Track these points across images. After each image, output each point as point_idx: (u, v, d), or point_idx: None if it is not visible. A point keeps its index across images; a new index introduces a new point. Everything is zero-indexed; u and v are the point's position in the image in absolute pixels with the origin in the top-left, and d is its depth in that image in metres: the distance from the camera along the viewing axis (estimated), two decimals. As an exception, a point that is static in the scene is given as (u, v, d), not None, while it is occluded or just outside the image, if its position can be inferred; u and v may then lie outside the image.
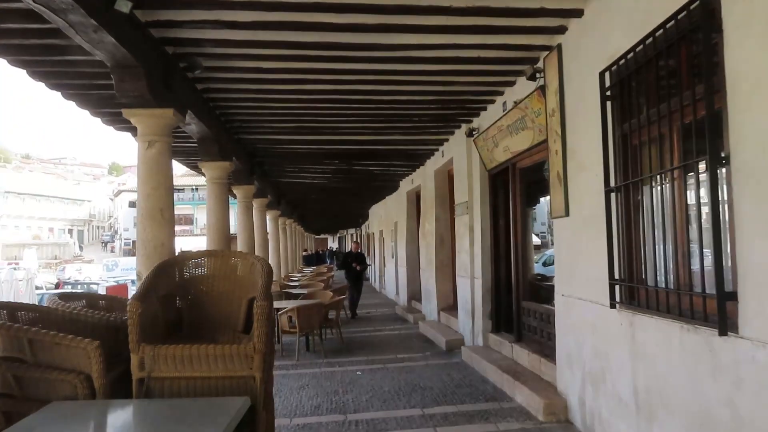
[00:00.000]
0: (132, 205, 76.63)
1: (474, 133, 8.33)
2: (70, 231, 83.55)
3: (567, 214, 5.23)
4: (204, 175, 8.56)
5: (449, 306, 10.91)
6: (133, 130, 5.43)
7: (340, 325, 10.30)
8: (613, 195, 4.26)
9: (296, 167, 12.99)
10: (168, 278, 3.23)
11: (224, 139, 8.31)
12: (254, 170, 11.35)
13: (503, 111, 7.13)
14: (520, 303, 7.20)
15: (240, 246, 11.52)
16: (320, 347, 9.53)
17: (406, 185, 14.84)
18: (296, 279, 17.78)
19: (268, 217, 17.53)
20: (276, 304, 10.30)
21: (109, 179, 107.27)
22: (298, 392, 6.88)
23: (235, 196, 11.25)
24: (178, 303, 3.31)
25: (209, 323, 3.23)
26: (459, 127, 9.09)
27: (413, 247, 14.53)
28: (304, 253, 32.11)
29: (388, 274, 19.49)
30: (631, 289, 4.06)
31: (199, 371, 2.71)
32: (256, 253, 15.20)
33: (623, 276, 4.15)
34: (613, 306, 4.20)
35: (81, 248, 78.46)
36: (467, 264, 8.79)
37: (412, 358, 8.71)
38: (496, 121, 7.27)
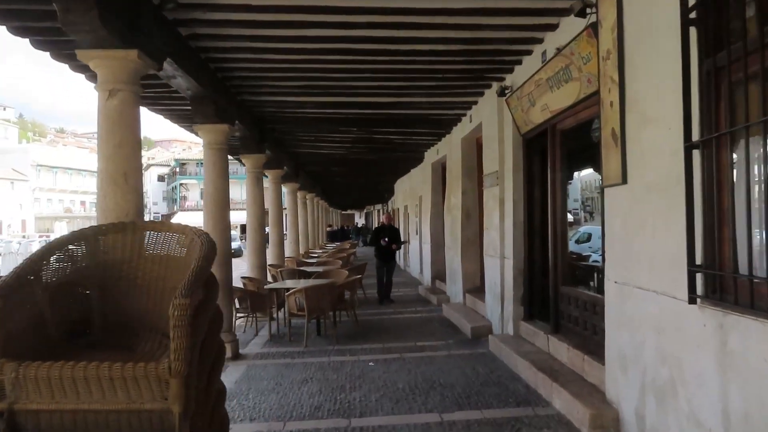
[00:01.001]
0: (161, 179, 77.08)
1: (506, 92, 7.23)
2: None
3: (624, 180, 4.15)
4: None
5: (476, 288, 9.91)
6: (95, 78, 4.52)
7: (356, 307, 9.36)
8: (695, 153, 3.18)
9: (311, 135, 12.01)
10: (68, 261, 2.32)
11: (223, 99, 7.37)
12: (265, 137, 10.42)
13: (542, 61, 6.02)
14: (558, 288, 6.16)
15: (249, 220, 10.69)
16: (332, 332, 8.65)
17: (430, 156, 13.76)
18: (316, 255, 16.96)
19: (285, 190, 16.71)
20: (284, 284, 9.44)
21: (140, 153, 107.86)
22: (300, 387, 6.00)
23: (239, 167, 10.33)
24: (87, 296, 2.40)
25: (129, 324, 2.32)
26: (489, 86, 7.98)
27: (438, 222, 13.51)
28: (328, 229, 31.33)
29: (412, 252, 18.51)
30: (721, 280, 3.01)
31: (88, 402, 1.80)
32: (270, 228, 14.40)
33: (707, 261, 3.10)
34: (692, 301, 3.15)
35: (111, 222, 79.20)
36: (496, 242, 7.75)
37: (433, 347, 7.75)
38: (533, 75, 6.17)
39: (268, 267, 12.16)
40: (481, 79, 7.71)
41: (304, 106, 9.07)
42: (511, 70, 7.20)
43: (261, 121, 10.10)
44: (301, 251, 18.25)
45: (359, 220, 59.11)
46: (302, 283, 9.08)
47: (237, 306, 8.92)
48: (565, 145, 6.24)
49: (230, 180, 7.94)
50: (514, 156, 7.28)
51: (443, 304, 10.62)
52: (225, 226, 7.60)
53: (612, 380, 4.41)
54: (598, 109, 4.73)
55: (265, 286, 9.10)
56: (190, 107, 7.18)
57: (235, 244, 38.44)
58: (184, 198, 65.97)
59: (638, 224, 3.97)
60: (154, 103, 8.56)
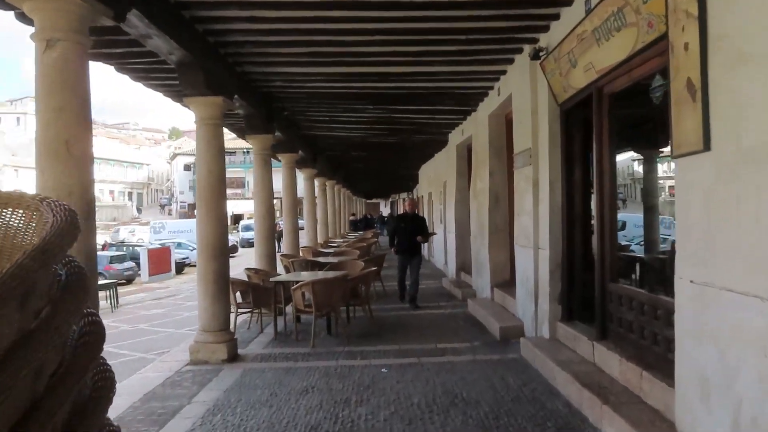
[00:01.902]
0: (187, 168, 77.21)
1: (541, 54, 6.17)
2: (130, 194, 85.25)
3: (706, 146, 3.11)
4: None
5: (505, 281, 8.89)
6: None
7: (371, 302, 8.42)
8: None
9: (325, 115, 11.06)
10: None
11: (215, 67, 6.47)
12: (273, 116, 9.53)
13: (586, 10, 4.96)
14: (606, 285, 5.13)
15: (256, 206, 9.83)
16: (344, 330, 7.75)
17: (455, 137, 12.71)
18: (335, 245, 16.09)
19: (302, 176, 15.86)
20: (291, 277, 8.57)
21: (169, 143, 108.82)
22: (298, 399, 5.10)
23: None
24: None
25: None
26: (520, 50, 6.93)
27: (463, 209, 12.48)
28: (351, 218, 30.48)
29: (436, 241, 17.47)
30: None
31: None
32: (282, 217, 13.56)
33: None
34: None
35: (140, 210, 79.98)
36: (529, 229, 6.74)
37: (456, 349, 6.79)
38: (574, 28, 5.11)
39: (279, 257, 11.35)
40: (510, 41, 6.65)
41: (312, 78, 8.11)
42: (546, 28, 6.14)
43: (268, 98, 9.20)
44: (320, 240, 17.41)
45: (384, 209, 58.20)
46: (309, 276, 8.19)
47: (240, 300, 8.07)
48: (615, 112, 5.18)
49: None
50: (551, 130, 6.24)
51: (468, 299, 9.63)
52: (220, 214, 6.74)
53: (685, 408, 3.39)
54: (661, 61, 3.71)
55: (270, 279, 8.23)
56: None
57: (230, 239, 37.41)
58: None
59: (728, 206, 2.94)
60: (147, 77, 7.73)
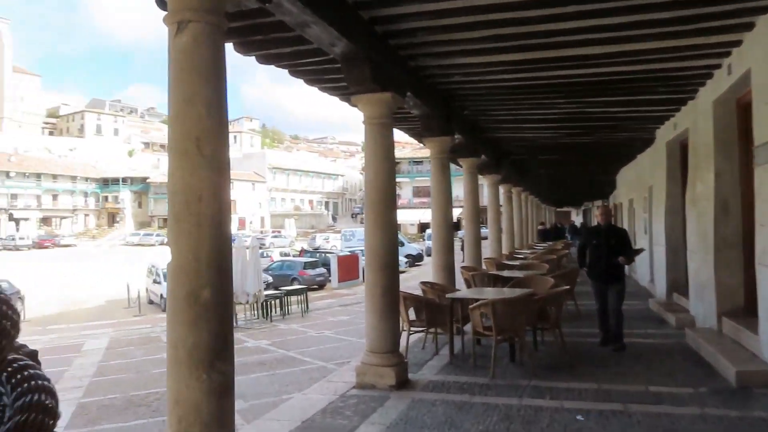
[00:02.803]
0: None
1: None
2: (326, 203, 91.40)
3: None
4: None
5: (738, 309, 7.04)
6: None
7: (561, 326, 7.16)
8: None
9: (509, 113, 10.01)
10: None
11: (383, 60, 5.86)
12: (452, 117, 8.78)
13: None
14: None
15: (434, 214, 9.14)
16: (529, 359, 6.66)
17: (665, 133, 10.80)
18: (521, 257, 14.85)
19: (485, 183, 14.92)
20: (470, 294, 7.68)
21: (362, 155, 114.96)
22: (469, 449, 4.20)
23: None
24: None
25: None
26: (764, 10, 5.30)
27: (676, 218, 10.52)
28: (540, 227, 28.66)
29: (640, 255, 15.32)
30: None
31: None
32: (464, 225, 12.72)
33: None
34: None
35: (335, 219, 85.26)
36: (781, 245, 5.07)
37: (675, 396, 5.32)
38: None
39: (460, 269, 10.54)
40: (750, -1, 5.07)
41: (495, 69, 7.14)
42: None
43: (446, 97, 8.48)
44: (505, 251, 16.28)
45: (576, 219, 54.57)
46: (490, 294, 7.23)
47: (413, 318, 7.39)
48: None
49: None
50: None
51: (686, 327, 7.88)
52: (388, 222, 6.11)
53: None
54: None
55: (447, 295, 7.43)
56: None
57: (416, 247, 37.22)
58: (398, 196, 67.95)
59: None
60: (320, 80, 7.42)
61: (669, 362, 6.66)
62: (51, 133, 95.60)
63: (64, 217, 76.59)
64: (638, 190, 15.18)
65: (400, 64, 6.50)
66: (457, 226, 14.89)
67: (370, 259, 6.13)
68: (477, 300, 6.76)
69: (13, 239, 61.46)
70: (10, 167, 70.96)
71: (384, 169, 6.08)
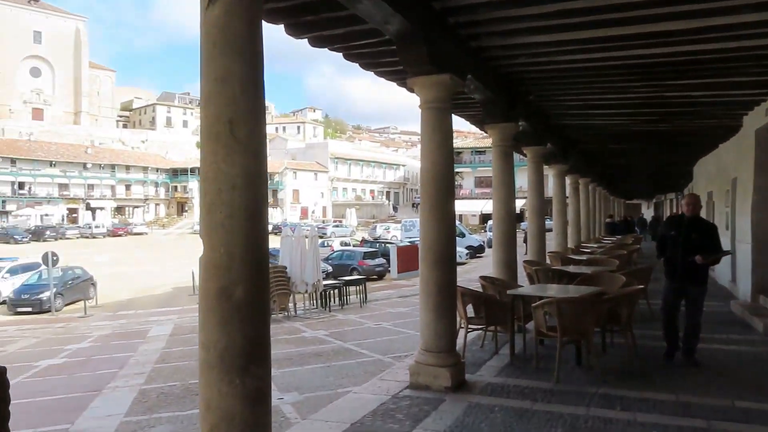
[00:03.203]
0: (438, 169, 79.84)
1: None
2: (387, 193, 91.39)
3: None
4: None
5: (840, 315, 6.28)
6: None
7: (633, 328, 6.57)
8: None
9: (578, 98, 9.38)
10: None
11: (441, 40, 5.47)
12: (516, 103, 8.28)
13: None
14: None
15: (495, 206, 8.69)
16: (596, 363, 6.14)
17: (754, 119, 9.87)
18: (588, 251, 14.11)
19: (551, 173, 14.24)
20: (533, 291, 7.20)
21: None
22: (530, 465, 3.81)
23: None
24: None
25: None
26: None
27: (763, 213, 9.62)
28: (608, 220, 27.37)
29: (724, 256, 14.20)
30: None
31: None
32: (528, 216, 12.15)
33: None
34: None
35: (395, 209, 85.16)
36: None
37: (767, 414, 4.74)
38: None
39: (523, 264, 10.03)
40: None
41: (563, 48, 6.59)
42: None
43: (510, 81, 7.98)
44: (571, 245, 15.55)
45: (647, 212, 52.18)
46: (555, 291, 6.75)
47: (471, 315, 7.00)
48: None
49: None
50: None
51: (776, 333, 7.14)
52: (445, 213, 5.74)
53: None
54: None
55: (508, 291, 6.99)
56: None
57: (477, 239, 36.01)
58: (459, 186, 67.09)
59: None
60: (375, 63, 7.10)
61: (756, 373, 5.99)
62: (125, 126, 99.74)
63: (137, 207, 79.86)
64: (719, 183, 14.11)
65: (460, 43, 6.08)
66: (519, 217, 14.33)
67: (424, 253, 5.77)
68: (540, 298, 6.33)
69: (89, 228, 64.57)
70: (87, 159, 74.68)
71: (442, 156, 5.69)
